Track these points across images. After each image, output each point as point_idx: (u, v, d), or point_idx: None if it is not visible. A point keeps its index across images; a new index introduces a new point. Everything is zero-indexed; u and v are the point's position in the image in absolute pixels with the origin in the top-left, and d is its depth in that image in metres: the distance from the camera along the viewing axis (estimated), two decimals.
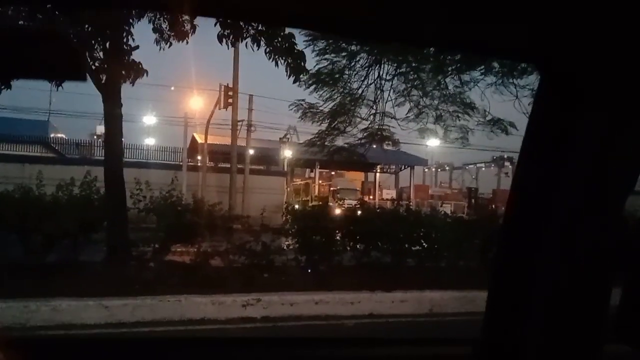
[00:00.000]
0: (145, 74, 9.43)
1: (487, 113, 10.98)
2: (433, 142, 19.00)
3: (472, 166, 40.21)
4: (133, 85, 9.37)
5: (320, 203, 12.10)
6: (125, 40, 9.08)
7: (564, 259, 1.03)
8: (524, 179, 1.12)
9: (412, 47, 8.59)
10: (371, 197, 29.32)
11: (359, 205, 11.46)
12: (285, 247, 9.46)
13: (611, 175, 1.00)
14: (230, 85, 20.13)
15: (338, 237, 9.58)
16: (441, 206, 19.40)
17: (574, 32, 0.91)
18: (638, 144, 1.00)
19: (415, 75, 10.79)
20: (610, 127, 0.99)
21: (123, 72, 9.13)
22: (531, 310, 1.06)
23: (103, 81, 9.06)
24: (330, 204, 12.96)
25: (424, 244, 9.90)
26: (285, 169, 27.22)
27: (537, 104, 1.09)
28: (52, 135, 29.13)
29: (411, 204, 12.90)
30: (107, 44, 9.01)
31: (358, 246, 9.55)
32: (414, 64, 10.50)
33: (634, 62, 0.94)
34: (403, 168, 33.64)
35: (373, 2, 0.84)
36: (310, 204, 11.47)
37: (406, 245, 9.72)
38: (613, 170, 1.00)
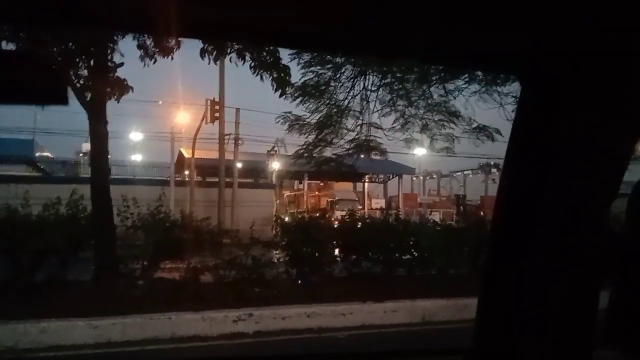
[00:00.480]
0: (130, 90, 9.43)
1: (472, 121, 11.08)
2: (420, 151, 19.11)
3: (459, 173, 40.42)
4: (118, 102, 9.37)
5: (318, 215, 12.08)
6: (109, 57, 9.08)
7: (552, 265, 1.04)
8: (509, 186, 1.13)
9: (396, 59, 8.69)
10: (360, 207, 29.31)
11: (357, 216, 11.43)
12: (275, 260, 9.43)
13: (596, 178, 1.01)
14: (217, 100, 20.13)
15: (329, 249, 9.58)
16: (430, 214, 19.44)
17: (551, 41, 0.93)
18: (620, 146, 1.01)
19: (400, 86, 10.86)
20: (592, 131, 1.00)
21: (108, 89, 9.12)
22: (521, 317, 1.06)
23: (88, 99, 9.03)
24: (326, 215, 13.01)
25: (414, 252, 9.92)
26: (274, 182, 27.17)
27: (519, 112, 1.10)
28: (37, 154, 28.85)
29: (400, 212, 12.93)
30: (92, 62, 8.99)
31: (349, 257, 9.55)
32: (398, 75, 10.58)
33: (611, 67, 0.96)
34: (391, 177, 33.74)
35: (359, 19, 0.86)
36: (305, 216, 11.41)
37: (396, 255, 9.73)
38: (597, 173, 1.01)
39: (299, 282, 8.99)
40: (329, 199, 28.65)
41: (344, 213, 11.70)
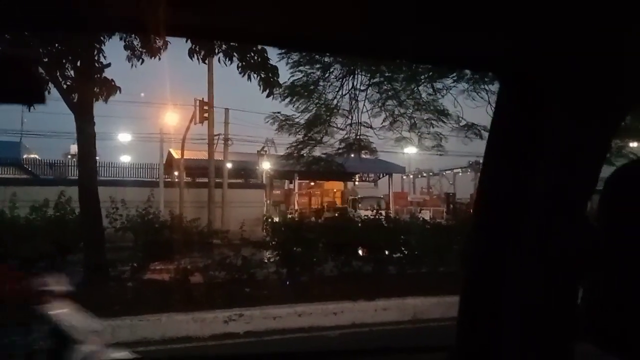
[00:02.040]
0: (118, 91, 9.37)
1: (460, 119, 11.14)
2: (410, 150, 19.15)
3: (449, 172, 40.59)
4: (106, 102, 9.31)
5: (336, 215, 11.82)
6: (96, 58, 9.02)
7: (533, 261, 1.05)
8: (489, 183, 1.14)
9: (381, 59, 8.73)
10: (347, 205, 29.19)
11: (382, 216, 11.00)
12: (266, 260, 9.42)
13: (574, 175, 1.02)
14: (206, 100, 20.05)
15: (319, 248, 9.58)
16: (420, 212, 19.48)
17: (531, 40, 0.94)
18: (597, 143, 1.03)
19: (389, 85, 10.90)
20: (570, 129, 1.02)
21: (95, 90, 9.06)
22: (502, 314, 1.07)
23: (75, 100, 8.97)
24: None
25: (405, 250, 9.96)
26: (264, 182, 27.10)
27: (498, 110, 1.11)
28: (25, 156, 28.58)
29: (390, 211, 12.95)
30: (78, 63, 8.92)
31: (339, 256, 9.56)
32: (387, 74, 10.62)
33: (591, 66, 0.97)
34: (381, 176, 33.83)
35: (350, 20, 0.86)
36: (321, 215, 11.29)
37: (387, 253, 9.76)
38: (576, 170, 1.02)
39: (290, 282, 8.99)
40: (351, 197, 27.08)
41: (368, 212, 11.21)
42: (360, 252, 9.69)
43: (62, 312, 3.90)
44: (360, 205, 21.11)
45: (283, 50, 9.90)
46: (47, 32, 6.80)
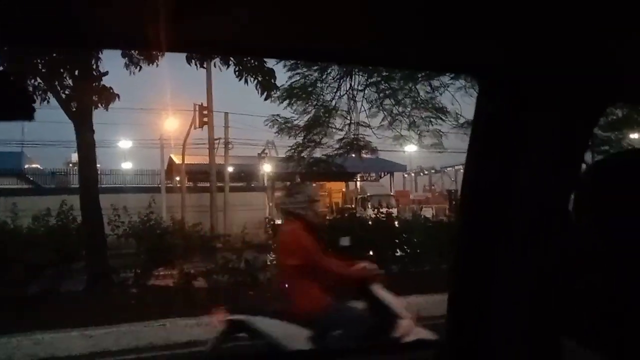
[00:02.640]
0: (117, 99, 9.41)
1: (459, 116, 11.15)
2: (410, 148, 19.13)
3: (450, 169, 40.56)
4: (107, 110, 9.35)
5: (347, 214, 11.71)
6: (94, 66, 9.06)
7: (519, 259, 1.06)
8: (473, 185, 1.15)
9: (372, 66, 8.78)
10: (353, 205, 29.11)
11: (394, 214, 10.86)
12: (269, 263, 9.43)
13: (556, 174, 1.04)
14: (205, 104, 20.09)
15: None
16: (421, 210, 19.42)
17: (510, 43, 0.95)
18: (579, 139, 1.04)
19: (387, 84, 10.93)
20: (549, 130, 1.03)
21: (94, 98, 9.10)
22: (490, 311, 1.09)
23: (74, 109, 9.01)
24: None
25: (407, 249, 9.96)
26: (266, 184, 27.11)
27: (478, 113, 1.12)
28: (26, 166, 28.67)
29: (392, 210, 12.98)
30: (76, 72, 8.97)
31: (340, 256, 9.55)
32: (384, 74, 10.64)
33: (570, 67, 0.98)
34: (383, 175, 33.80)
35: (343, 30, 0.87)
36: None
37: (389, 252, 9.77)
38: (558, 167, 1.04)
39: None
40: (359, 196, 26.48)
41: (381, 211, 10.87)
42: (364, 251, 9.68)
43: (383, 291, 4.30)
44: (369, 204, 20.37)
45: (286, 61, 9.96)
46: (45, 48, 6.83)
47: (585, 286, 0.83)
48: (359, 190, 28.97)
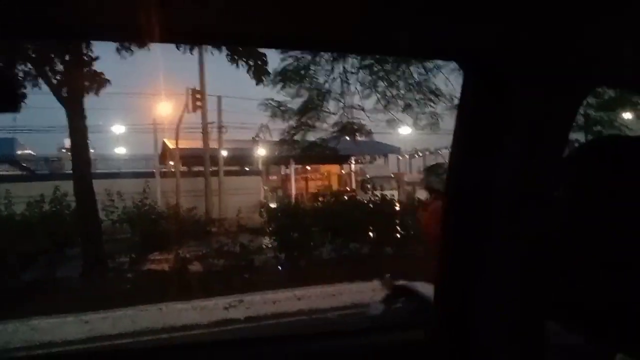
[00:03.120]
0: (108, 83, 9.36)
1: (453, 97, 11.14)
2: (404, 130, 19.08)
3: (445, 150, 40.62)
4: (98, 95, 9.31)
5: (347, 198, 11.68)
6: (85, 51, 8.99)
7: (504, 242, 1.08)
8: (459, 170, 1.16)
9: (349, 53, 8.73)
10: (348, 188, 29.03)
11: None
12: (264, 246, 9.48)
13: (540, 159, 1.05)
14: (198, 88, 19.97)
15: (315, 232, 9.63)
16: (416, 192, 19.38)
17: (495, 29, 0.95)
18: (563, 120, 1.05)
19: (380, 67, 10.88)
20: (534, 112, 1.04)
21: (85, 84, 9.04)
22: (477, 292, 1.11)
23: (65, 94, 8.95)
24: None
25: (402, 232, 10.02)
26: (260, 168, 27.06)
27: (463, 98, 1.13)
28: (19, 152, 28.47)
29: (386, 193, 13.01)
30: (67, 57, 8.89)
31: (337, 240, 9.62)
32: (377, 56, 10.58)
33: (553, 52, 0.98)
34: (377, 157, 33.76)
35: (333, 17, 0.87)
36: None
37: (384, 235, 9.82)
38: (541, 155, 1.05)
39: (288, 266, 9.06)
40: (360, 178, 25.86)
41: (382, 193, 10.82)
42: (358, 235, 9.73)
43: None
44: (369, 186, 19.74)
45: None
46: (35, 40, 6.75)
47: (569, 270, 0.85)
48: (358, 172, 28.71)
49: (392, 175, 27.06)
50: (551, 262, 0.90)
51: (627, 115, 12.82)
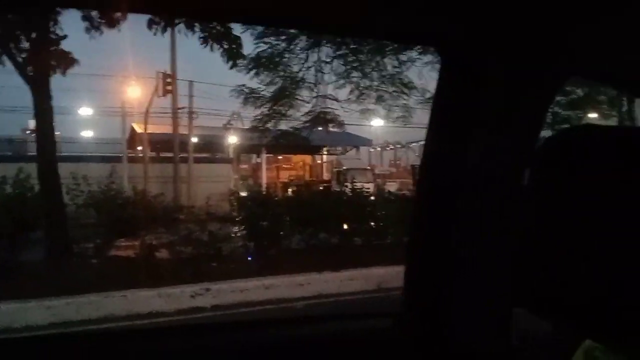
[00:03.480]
0: (76, 64, 9.11)
1: (425, 91, 11.23)
2: (376, 122, 19.19)
3: (415, 144, 41.01)
4: (64, 75, 9.06)
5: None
6: (52, 29, 8.72)
7: (473, 230, 1.09)
8: (432, 158, 1.16)
9: (326, 34, 8.68)
10: (324, 178, 28.91)
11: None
12: (233, 235, 9.42)
13: (512, 148, 1.06)
14: (169, 72, 19.61)
15: (286, 221, 9.62)
16: (385, 184, 19.58)
17: (470, 17, 0.95)
18: (534, 111, 1.06)
19: (355, 57, 10.88)
20: (508, 102, 1.04)
21: (52, 63, 8.78)
22: (445, 281, 1.11)
23: (31, 73, 8.68)
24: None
25: (371, 222, 10.09)
26: (231, 156, 26.82)
27: (440, 86, 1.13)
28: None
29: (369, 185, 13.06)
30: (33, 34, 8.61)
31: (306, 229, 9.62)
32: (352, 46, 10.58)
33: (527, 45, 0.99)
34: (349, 149, 33.90)
35: None
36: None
37: (353, 225, 9.88)
38: (513, 143, 1.06)
39: (257, 255, 9.03)
40: (335, 169, 25.71)
41: (358, 186, 10.67)
42: (327, 224, 9.75)
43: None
44: (345, 178, 20.31)
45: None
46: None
47: (537, 258, 0.85)
48: (334, 163, 28.68)
49: (369, 168, 27.09)
50: (519, 250, 0.91)
51: (593, 114, 13.16)
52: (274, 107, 11.50)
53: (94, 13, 8.89)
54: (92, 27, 9.05)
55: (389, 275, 8.21)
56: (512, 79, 1.02)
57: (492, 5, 0.92)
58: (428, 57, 10.71)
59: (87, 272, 7.63)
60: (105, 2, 0.93)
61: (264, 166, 28.62)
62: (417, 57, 10.88)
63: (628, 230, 0.67)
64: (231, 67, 8.78)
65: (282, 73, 11.12)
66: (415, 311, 1.18)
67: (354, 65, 10.99)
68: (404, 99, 11.49)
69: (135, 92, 22.08)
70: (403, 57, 10.96)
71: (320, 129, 12.82)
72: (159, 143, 22.64)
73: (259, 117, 11.90)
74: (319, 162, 32.30)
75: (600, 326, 0.72)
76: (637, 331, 0.67)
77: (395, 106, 11.76)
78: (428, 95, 11.33)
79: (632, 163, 0.70)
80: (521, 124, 1.05)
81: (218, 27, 8.32)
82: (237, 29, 9.07)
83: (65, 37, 8.82)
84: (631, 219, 0.67)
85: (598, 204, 0.71)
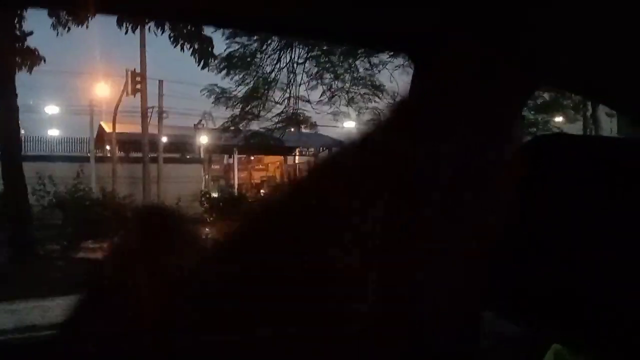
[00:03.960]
0: (42, 61, 8.91)
1: (396, 94, 11.32)
2: (348, 124, 19.35)
3: None
4: (30, 73, 8.85)
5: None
6: (18, 25, 8.51)
7: (442, 230, 1.10)
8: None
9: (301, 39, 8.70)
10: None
11: None
12: (204, 236, 9.33)
13: (486, 154, 1.07)
14: (138, 70, 19.29)
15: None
16: None
17: (445, 20, 0.96)
18: (508, 122, 1.07)
19: (327, 59, 10.92)
20: (481, 108, 1.06)
21: (17, 60, 8.57)
22: (412, 282, 1.12)
23: None
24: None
25: None
26: (202, 156, 26.54)
27: (412, 90, 1.13)
28: None
29: None
30: None
31: None
32: (325, 48, 10.62)
33: (501, 46, 1.00)
34: (321, 150, 33.96)
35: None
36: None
37: None
38: (486, 149, 1.07)
39: None
40: None
41: None
42: None
43: None
44: None
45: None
46: None
47: (505, 260, 0.87)
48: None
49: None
50: (488, 252, 0.92)
51: (560, 119, 13.51)
52: (246, 108, 11.45)
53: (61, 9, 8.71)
54: (59, 23, 8.87)
55: None
56: (484, 84, 1.03)
57: (465, 6, 0.93)
58: (398, 61, 10.83)
59: (53, 274, 7.45)
60: (76, 2, 0.91)
61: (235, 167, 28.43)
62: (388, 59, 10.99)
63: (596, 237, 0.69)
64: (202, 68, 8.71)
65: (254, 73, 11.09)
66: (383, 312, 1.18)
67: (326, 66, 11.03)
68: (375, 102, 11.60)
69: (103, 90, 21.67)
70: (375, 60, 11.05)
71: (292, 130, 12.82)
72: (128, 143, 22.23)
73: (230, 118, 11.84)
74: (294, 163, 32.23)
75: (569, 328, 0.74)
76: (607, 333, 0.69)
77: (366, 108, 11.86)
78: (398, 98, 11.42)
79: (604, 174, 0.71)
80: (491, 130, 1.06)
81: (189, 27, 8.24)
82: (208, 28, 9.02)
83: (31, 33, 8.64)
84: (600, 227, 0.69)
85: (569, 212, 0.72)
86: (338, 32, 1.08)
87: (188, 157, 25.91)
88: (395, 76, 11.14)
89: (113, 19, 8.63)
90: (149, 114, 20.59)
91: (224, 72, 10.76)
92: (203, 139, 25.87)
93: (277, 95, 11.44)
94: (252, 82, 11.18)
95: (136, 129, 20.98)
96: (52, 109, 27.08)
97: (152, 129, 21.41)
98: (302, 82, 11.24)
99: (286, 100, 11.51)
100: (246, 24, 1.10)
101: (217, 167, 30.99)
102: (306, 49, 10.80)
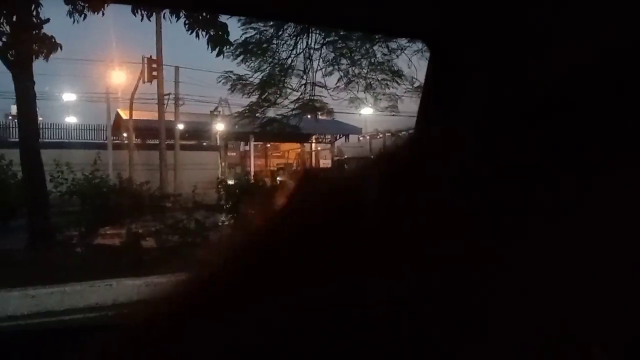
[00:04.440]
0: (59, 48, 8.91)
1: (414, 79, 11.17)
2: (366, 111, 19.16)
3: (404, 132, 41.11)
4: (47, 60, 8.86)
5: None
6: (34, 12, 8.52)
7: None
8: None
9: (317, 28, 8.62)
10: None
11: None
12: (220, 224, 9.34)
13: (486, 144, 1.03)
14: (154, 57, 19.32)
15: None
16: None
17: (455, 11, 0.93)
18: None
19: (344, 44, 10.79)
20: (492, 95, 1.01)
21: (34, 47, 8.59)
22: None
23: (12, 58, 8.49)
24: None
25: None
26: (218, 143, 26.58)
27: (428, 77, 1.11)
28: None
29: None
30: (14, 17, 8.41)
31: None
32: (342, 33, 10.47)
33: (512, 37, 0.96)
34: (338, 137, 33.81)
35: None
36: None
37: None
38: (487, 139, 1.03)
39: None
40: (336, 157, 25.17)
41: None
42: None
43: None
44: (346, 167, 19.74)
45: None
46: None
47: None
48: (335, 151, 28.38)
49: (372, 157, 27.06)
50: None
51: None
52: (262, 95, 11.39)
53: None
54: (75, 10, 8.85)
55: None
56: (498, 74, 0.98)
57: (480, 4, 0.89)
58: (417, 45, 10.64)
59: (71, 261, 7.52)
60: None
61: (252, 154, 28.45)
62: (407, 44, 10.81)
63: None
64: (218, 55, 8.64)
65: (270, 60, 11.00)
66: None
67: (343, 52, 10.90)
68: (393, 87, 11.44)
69: (120, 77, 21.78)
70: (393, 45, 10.89)
71: (309, 117, 12.74)
72: (145, 130, 22.34)
73: (246, 105, 11.80)
74: (310, 150, 32.11)
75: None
76: None
77: (384, 94, 11.71)
78: (417, 84, 11.28)
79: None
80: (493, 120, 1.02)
81: (204, 14, 8.16)
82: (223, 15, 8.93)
83: (47, 20, 8.63)
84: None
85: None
86: (354, 23, 1.07)
87: (204, 144, 26.01)
88: (413, 61, 10.97)
89: (129, 6, 8.59)
90: (165, 101, 20.67)
91: (239, 58, 10.71)
92: (219, 126, 25.88)
93: (293, 81, 11.36)
94: (268, 69, 11.11)
95: (153, 116, 21.08)
96: (69, 97, 27.34)
97: (169, 116, 21.52)
98: (319, 68, 11.13)
99: (303, 87, 11.42)
100: (262, 13, 1.08)
101: (233, 154, 31.02)
102: (323, 34, 10.67)
